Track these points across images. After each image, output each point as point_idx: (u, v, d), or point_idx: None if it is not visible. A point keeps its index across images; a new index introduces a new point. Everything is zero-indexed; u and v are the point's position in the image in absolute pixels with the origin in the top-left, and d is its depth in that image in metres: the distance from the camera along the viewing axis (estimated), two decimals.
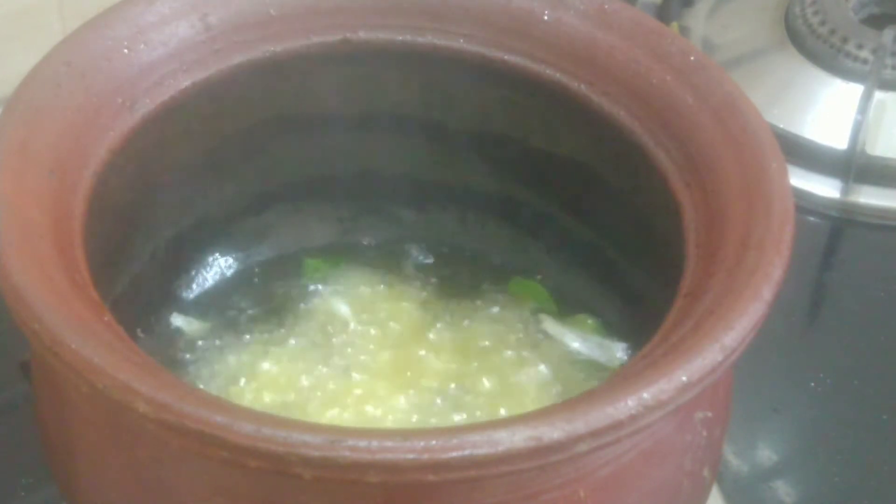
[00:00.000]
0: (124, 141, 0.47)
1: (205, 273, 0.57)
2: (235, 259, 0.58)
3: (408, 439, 0.34)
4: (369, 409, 0.51)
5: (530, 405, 0.51)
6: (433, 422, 0.51)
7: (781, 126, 0.73)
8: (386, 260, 0.58)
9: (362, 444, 0.34)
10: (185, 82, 0.49)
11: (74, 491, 0.45)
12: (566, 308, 0.57)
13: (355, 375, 0.53)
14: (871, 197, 0.73)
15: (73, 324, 0.37)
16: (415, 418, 0.51)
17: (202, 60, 0.49)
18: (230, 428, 0.34)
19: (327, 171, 0.57)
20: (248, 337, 0.55)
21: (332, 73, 0.53)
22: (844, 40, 0.75)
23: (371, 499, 0.36)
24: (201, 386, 0.52)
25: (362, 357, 0.54)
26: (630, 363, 0.40)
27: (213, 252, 0.57)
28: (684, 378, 0.37)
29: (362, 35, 0.51)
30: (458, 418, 0.51)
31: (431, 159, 0.57)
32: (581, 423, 0.35)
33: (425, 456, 0.34)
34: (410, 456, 0.34)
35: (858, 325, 0.68)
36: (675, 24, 0.80)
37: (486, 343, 0.55)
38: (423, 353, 0.54)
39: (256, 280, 0.58)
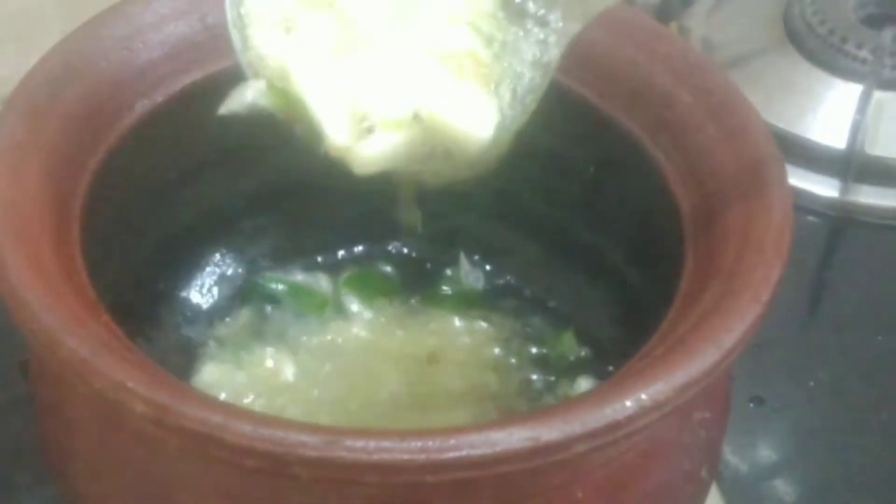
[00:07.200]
0: (123, 141, 0.47)
1: (204, 272, 0.57)
2: (234, 259, 0.58)
3: (405, 440, 0.34)
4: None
5: None
6: None
7: (781, 126, 0.72)
8: (384, 261, 0.58)
9: (359, 444, 0.34)
10: (184, 82, 0.49)
11: (73, 491, 0.45)
12: (562, 307, 0.57)
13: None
14: (871, 197, 0.72)
15: (70, 324, 0.37)
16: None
17: (201, 60, 0.49)
18: (227, 428, 0.34)
19: (327, 171, 0.57)
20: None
21: None
22: (844, 40, 0.75)
23: (368, 499, 0.36)
24: None
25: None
26: (629, 363, 0.40)
27: (212, 252, 0.57)
28: (682, 379, 0.37)
29: None
30: None
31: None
32: (578, 423, 0.35)
33: (422, 456, 0.34)
34: (407, 457, 0.34)
35: (858, 324, 0.67)
36: (674, 24, 0.80)
37: None
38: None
39: (256, 279, 0.58)
